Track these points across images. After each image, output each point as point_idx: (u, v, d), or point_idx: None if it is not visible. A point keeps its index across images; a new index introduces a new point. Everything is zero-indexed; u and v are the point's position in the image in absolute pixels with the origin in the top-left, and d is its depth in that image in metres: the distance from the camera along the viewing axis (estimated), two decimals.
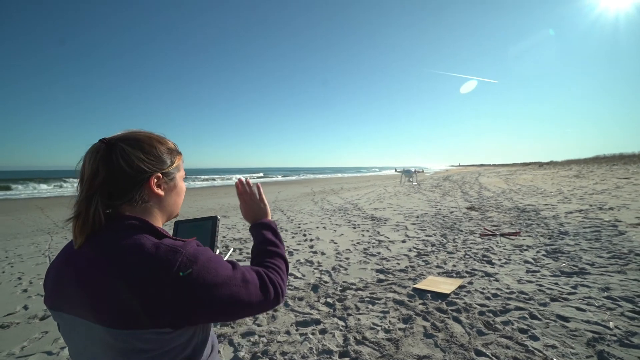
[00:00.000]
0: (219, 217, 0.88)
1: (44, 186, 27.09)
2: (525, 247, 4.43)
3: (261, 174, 54.87)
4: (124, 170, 0.64)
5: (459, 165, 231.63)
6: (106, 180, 0.63)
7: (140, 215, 0.67)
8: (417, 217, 7.33)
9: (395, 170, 22.06)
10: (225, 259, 1.20)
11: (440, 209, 8.31)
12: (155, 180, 0.69)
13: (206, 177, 42.45)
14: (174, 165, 0.74)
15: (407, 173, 20.81)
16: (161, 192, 0.71)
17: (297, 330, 2.54)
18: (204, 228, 0.85)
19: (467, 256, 4.17)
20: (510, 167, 62.82)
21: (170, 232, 0.77)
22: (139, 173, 0.66)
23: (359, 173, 68.70)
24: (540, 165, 47.42)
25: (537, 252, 4.21)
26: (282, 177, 49.27)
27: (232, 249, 1.51)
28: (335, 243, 5.20)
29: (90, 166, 0.63)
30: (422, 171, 21.63)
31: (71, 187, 26.43)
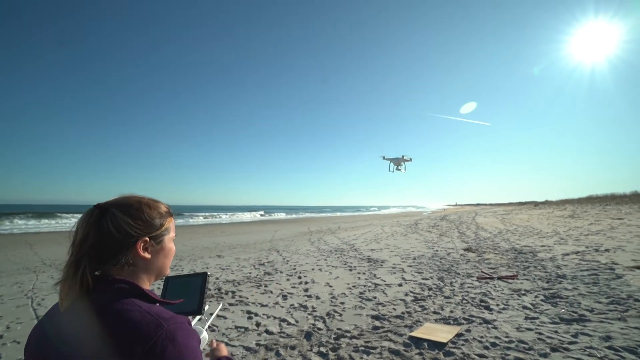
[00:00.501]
0: (209, 273, 0.91)
1: (34, 221, 26.55)
2: (523, 292, 4.35)
3: (262, 212, 54.58)
4: (112, 234, 0.67)
5: (456, 205, 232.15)
6: (95, 245, 0.66)
7: (129, 278, 0.69)
8: (414, 258, 7.23)
9: (384, 158, 21.41)
10: (215, 312, 1.21)
11: (437, 250, 8.23)
12: (142, 244, 0.72)
13: (206, 214, 42.09)
14: (163, 228, 0.77)
15: (395, 160, 20.39)
16: (148, 256, 0.73)
17: None
18: (194, 284, 0.88)
19: (464, 301, 4.07)
20: (507, 206, 63.14)
21: (160, 288, 0.79)
22: (126, 238, 0.69)
23: (358, 212, 68.56)
24: (535, 204, 47.81)
25: (536, 296, 4.13)
26: (285, 214, 49.22)
27: (221, 305, 1.49)
28: (331, 286, 5.07)
29: (82, 230, 0.67)
30: (411, 159, 20.99)
31: (67, 222, 25.97)
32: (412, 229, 15.48)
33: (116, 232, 0.68)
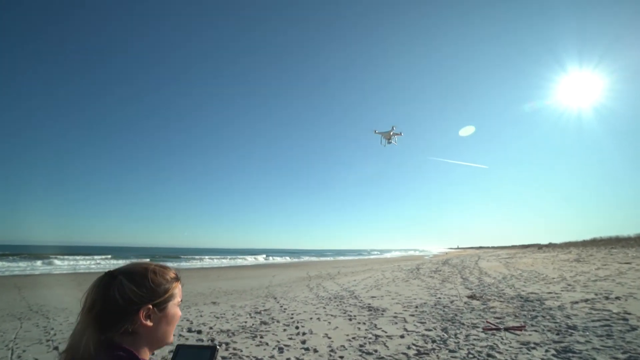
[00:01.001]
0: (218, 347, 0.90)
1: (26, 263, 25.67)
2: (532, 345, 4.11)
3: (265, 255, 53.57)
4: (117, 302, 0.70)
5: (458, 248, 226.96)
6: (101, 312, 0.69)
7: (129, 346, 0.70)
8: (416, 307, 6.93)
9: (375, 132, 21.39)
10: None
11: (440, 298, 7.91)
12: (145, 312, 0.73)
13: (206, 257, 41.10)
14: (168, 294, 0.78)
15: (385, 133, 20.25)
16: (149, 324, 0.74)
17: None
18: (202, 357, 0.87)
19: (470, 355, 3.84)
20: (510, 249, 61.63)
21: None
22: (129, 305, 0.71)
23: (360, 256, 66.83)
24: (539, 247, 46.70)
25: (546, 351, 3.90)
26: (289, 258, 48.59)
27: None
28: (330, 338, 4.80)
29: (91, 298, 0.70)
30: (401, 133, 20.98)
31: (60, 264, 25.15)
32: (414, 274, 15.00)
33: (121, 300, 0.70)
